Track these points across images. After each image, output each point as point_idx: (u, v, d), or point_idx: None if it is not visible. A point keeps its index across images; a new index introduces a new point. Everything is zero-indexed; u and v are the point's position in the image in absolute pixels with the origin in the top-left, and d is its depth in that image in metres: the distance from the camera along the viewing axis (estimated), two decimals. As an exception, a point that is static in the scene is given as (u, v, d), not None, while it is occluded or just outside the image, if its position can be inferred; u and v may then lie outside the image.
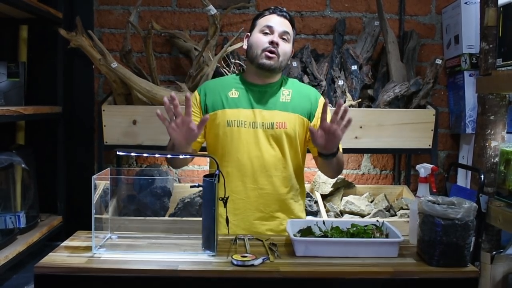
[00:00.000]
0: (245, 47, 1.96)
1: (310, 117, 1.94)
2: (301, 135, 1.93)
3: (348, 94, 2.62)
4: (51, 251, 1.52)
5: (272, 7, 1.95)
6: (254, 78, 1.93)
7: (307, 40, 2.94)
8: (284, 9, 1.95)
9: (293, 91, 1.95)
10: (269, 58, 1.85)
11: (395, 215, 2.64)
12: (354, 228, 1.60)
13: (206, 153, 1.91)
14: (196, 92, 1.97)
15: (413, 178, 2.96)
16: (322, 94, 2.61)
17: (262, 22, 1.91)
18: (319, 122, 1.90)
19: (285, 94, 1.93)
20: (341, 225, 1.63)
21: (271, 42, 1.85)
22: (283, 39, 1.88)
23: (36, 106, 2.43)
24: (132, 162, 2.98)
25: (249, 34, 1.97)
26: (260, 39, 1.87)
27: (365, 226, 1.62)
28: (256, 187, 1.88)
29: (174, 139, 1.72)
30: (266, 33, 1.88)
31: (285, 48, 1.88)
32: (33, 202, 2.44)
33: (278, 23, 1.88)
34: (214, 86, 1.96)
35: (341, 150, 1.91)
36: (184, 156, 1.87)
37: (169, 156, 1.90)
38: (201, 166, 2.92)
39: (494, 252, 2.07)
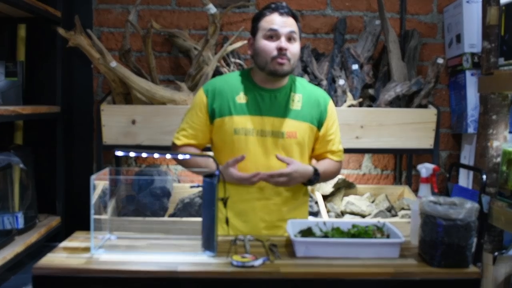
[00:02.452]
0: (250, 52, 1.87)
1: (319, 125, 1.87)
2: (310, 145, 1.88)
3: (348, 94, 2.61)
4: (50, 252, 1.51)
5: (273, 5, 1.80)
6: (263, 82, 1.83)
7: (308, 39, 2.92)
8: (284, 3, 1.82)
9: (303, 96, 1.86)
10: (281, 64, 1.75)
11: (396, 215, 2.63)
12: (355, 229, 1.59)
13: (206, 153, 1.89)
14: (202, 93, 1.86)
15: (414, 178, 2.95)
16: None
17: (264, 25, 1.78)
18: (327, 131, 1.90)
19: (295, 100, 1.85)
20: (342, 226, 1.62)
21: (280, 49, 1.75)
22: (290, 39, 1.77)
23: (35, 106, 2.43)
24: (131, 162, 2.97)
25: (252, 38, 1.84)
26: (267, 46, 1.76)
27: (366, 226, 1.60)
28: (262, 197, 1.83)
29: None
30: (271, 37, 1.76)
31: (294, 49, 1.78)
32: (31, 202, 2.44)
33: (282, 24, 1.76)
34: (221, 88, 1.84)
35: (325, 167, 1.89)
36: (184, 157, 1.85)
37: (168, 156, 1.88)
38: (201, 166, 2.91)
39: (496, 253, 2.06)
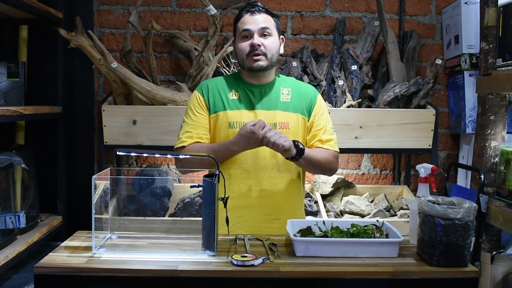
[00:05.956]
0: (233, 53, 1.96)
1: (309, 115, 1.93)
2: (303, 135, 1.92)
3: (348, 94, 2.62)
4: (51, 251, 1.51)
5: (246, 7, 1.90)
6: (250, 79, 1.92)
7: (307, 40, 2.94)
8: (258, 3, 1.92)
9: (292, 89, 1.94)
10: (256, 60, 1.84)
11: (395, 215, 2.64)
12: (354, 228, 1.60)
13: (206, 153, 1.90)
14: (197, 93, 1.93)
15: (413, 178, 2.96)
16: (322, 94, 2.61)
17: (239, 26, 1.88)
18: (315, 121, 1.93)
19: (284, 93, 1.92)
20: (341, 225, 1.63)
21: (252, 46, 1.83)
22: (264, 35, 1.85)
23: (36, 106, 2.44)
24: (132, 162, 2.98)
25: (234, 38, 1.95)
26: (242, 46, 1.86)
27: (365, 226, 1.61)
28: (259, 188, 1.87)
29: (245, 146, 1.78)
30: (246, 37, 1.86)
31: (269, 43, 1.85)
32: (33, 202, 2.44)
33: (253, 22, 1.85)
34: (214, 86, 1.93)
35: (311, 152, 1.86)
36: (183, 156, 1.87)
37: (169, 156, 1.89)
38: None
39: (494, 252, 2.07)
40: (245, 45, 1.85)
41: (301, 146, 1.79)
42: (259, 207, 1.87)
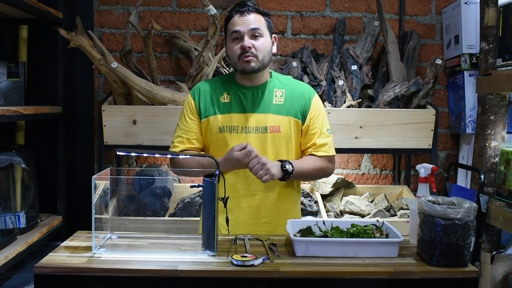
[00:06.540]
0: (226, 53, 1.94)
1: (303, 118, 1.88)
2: (296, 138, 1.89)
3: (348, 94, 2.62)
4: (51, 251, 1.52)
5: (236, 7, 1.86)
6: (243, 81, 1.88)
7: (307, 40, 2.94)
8: (248, 2, 1.87)
9: (286, 91, 1.89)
10: (247, 62, 1.80)
11: (395, 215, 2.64)
12: (354, 228, 1.60)
13: (205, 153, 1.91)
14: (189, 97, 1.92)
15: (413, 178, 2.96)
16: (322, 94, 2.61)
17: (229, 28, 1.84)
18: (311, 125, 1.89)
19: (278, 95, 1.88)
20: (341, 225, 1.63)
21: (243, 48, 1.80)
22: (255, 36, 1.81)
23: (36, 106, 2.44)
24: (132, 162, 2.98)
25: (225, 39, 1.91)
26: (232, 48, 1.83)
27: (365, 226, 1.61)
28: (249, 193, 1.85)
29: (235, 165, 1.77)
30: (236, 39, 1.82)
31: (260, 44, 1.81)
32: (33, 202, 2.45)
33: (243, 23, 1.81)
34: (206, 90, 1.90)
35: (304, 163, 1.85)
36: (184, 156, 1.87)
37: (169, 156, 1.89)
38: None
39: (494, 252, 2.07)
40: (236, 48, 1.82)
41: (288, 167, 1.77)
42: (248, 210, 1.86)
